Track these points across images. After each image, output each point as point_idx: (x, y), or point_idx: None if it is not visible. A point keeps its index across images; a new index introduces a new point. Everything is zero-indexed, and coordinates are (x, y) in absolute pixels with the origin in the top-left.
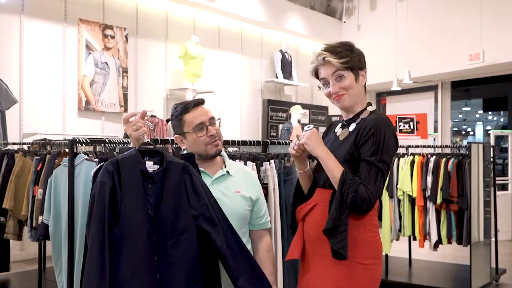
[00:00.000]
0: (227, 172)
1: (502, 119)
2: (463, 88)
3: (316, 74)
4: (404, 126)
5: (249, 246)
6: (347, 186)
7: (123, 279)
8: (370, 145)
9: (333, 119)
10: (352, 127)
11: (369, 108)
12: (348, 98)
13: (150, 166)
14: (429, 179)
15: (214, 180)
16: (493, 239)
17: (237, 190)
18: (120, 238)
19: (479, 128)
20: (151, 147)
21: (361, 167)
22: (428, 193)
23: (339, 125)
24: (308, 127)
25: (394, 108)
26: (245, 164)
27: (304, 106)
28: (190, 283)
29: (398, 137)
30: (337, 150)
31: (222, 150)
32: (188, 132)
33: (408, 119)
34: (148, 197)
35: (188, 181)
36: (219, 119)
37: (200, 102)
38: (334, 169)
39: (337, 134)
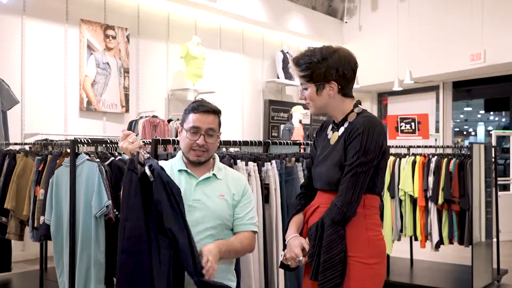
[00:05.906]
0: (214, 175)
1: (503, 120)
2: (464, 89)
3: None
4: (405, 127)
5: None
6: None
7: None
8: (353, 148)
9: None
10: (341, 130)
11: (356, 110)
12: (313, 108)
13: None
14: (431, 179)
15: (199, 182)
16: (494, 240)
17: (222, 194)
18: None
19: (481, 129)
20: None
21: (344, 173)
22: (429, 193)
23: (330, 126)
24: None
25: (396, 108)
26: (246, 164)
27: (306, 107)
28: None
29: (400, 138)
30: (330, 156)
31: (204, 160)
32: (185, 128)
33: (410, 120)
34: None
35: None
36: (218, 135)
37: (212, 111)
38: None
39: (329, 137)
